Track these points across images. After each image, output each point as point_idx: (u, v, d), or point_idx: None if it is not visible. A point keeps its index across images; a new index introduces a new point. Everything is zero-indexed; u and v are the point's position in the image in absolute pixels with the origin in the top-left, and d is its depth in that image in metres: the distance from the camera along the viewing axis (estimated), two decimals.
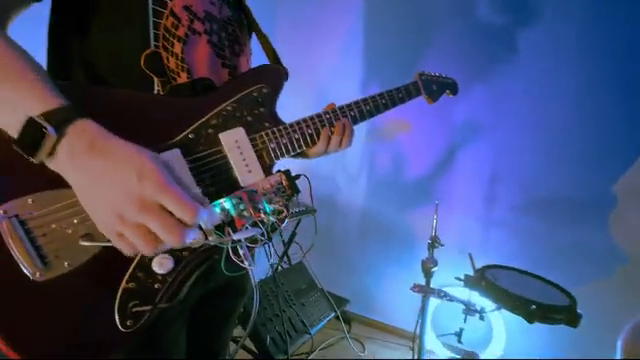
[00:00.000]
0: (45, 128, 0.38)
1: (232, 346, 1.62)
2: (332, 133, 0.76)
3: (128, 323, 0.50)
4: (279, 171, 0.72)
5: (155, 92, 0.61)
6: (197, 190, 0.47)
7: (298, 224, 2.07)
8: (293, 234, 2.12)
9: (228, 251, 0.59)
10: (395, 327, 2.31)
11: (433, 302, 1.99)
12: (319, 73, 2.35)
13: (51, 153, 0.40)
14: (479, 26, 1.96)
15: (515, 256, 1.89)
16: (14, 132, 0.40)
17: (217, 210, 0.61)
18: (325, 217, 2.26)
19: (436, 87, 0.91)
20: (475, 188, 2.03)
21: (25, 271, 0.45)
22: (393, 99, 0.83)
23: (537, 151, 1.88)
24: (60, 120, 0.40)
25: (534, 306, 1.01)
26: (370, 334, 2.29)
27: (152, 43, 0.59)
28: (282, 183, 0.70)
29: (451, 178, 2.11)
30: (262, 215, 0.64)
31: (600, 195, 1.76)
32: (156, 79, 0.60)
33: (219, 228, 0.60)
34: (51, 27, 0.60)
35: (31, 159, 0.40)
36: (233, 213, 0.61)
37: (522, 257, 1.85)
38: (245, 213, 0.62)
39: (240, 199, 0.65)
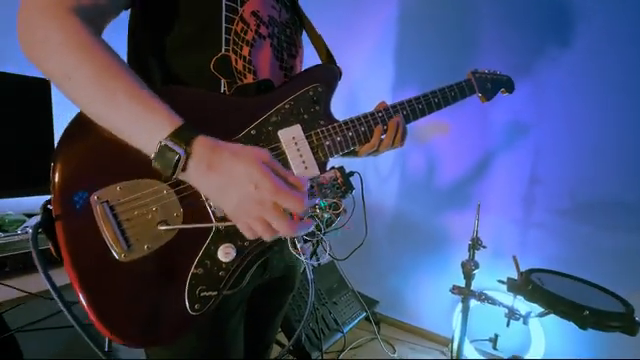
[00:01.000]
0: (178, 154, 0.46)
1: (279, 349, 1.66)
2: (385, 132, 0.76)
3: (196, 307, 0.54)
4: (333, 168, 0.73)
5: (222, 92, 0.63)
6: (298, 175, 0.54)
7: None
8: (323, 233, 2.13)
9: (291, 243, 0.61)
10: (425, 330, 2.27)
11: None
12: (351, 72, 2.35)
13: (183, 169, 0.48)
14: (519, 16, 1.88)
15: (556, 260, 1.81)
16: (141, 146, 0.49)
17: None
18: (355, 217, 2.24)
19: (490, 85, 0.89)
20: (514, 189, 1.95)
21: (113, 252, 0.49)
22: (446, 97, 0.82)
23: (582, 151, 1.77)
24: (186, 141, 0.47)
25: (587, 312, 0.96)
26: (399, 336, 2.26)
27: (223, 47, 0.62)
28: (337, 179, 0.71)
29: (487, 178, 2.04)
30: (317, 210, 0.65)
31: None
32: (223, 80, 0.63)
33: None
34: (130, 31, 0.64)
35: (170, 176, 0.48)
36: None
37: (564, 262, 1.77)
38: None
39: None
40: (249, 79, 0.65)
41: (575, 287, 1.16)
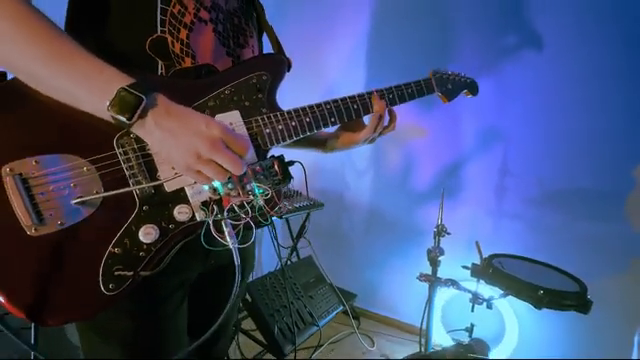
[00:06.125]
0: (141, 97, 0.50)
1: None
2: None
3: (110, 286, 0.53)
4: (272, 156, 0.71)
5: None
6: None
7: (307, 218, 2.08)
8: (302, 228, 2.13)
9: (215, 227, 0.59)
10: (404, 322, 2.29)
11: (443, 297, 1.96)
12: (325, 73, 2.36)
13: (141, 116, 0.50)
14: (486, 16, 1.94)
15: (528, 249, 1.84)
16: (94, 102, 0.51)
17: (205, 188, 0.61)
18: (333, 212, 2.26)
19: (451, 86, 0.89)
20: (486, 180, 2.00)
21: (22, 225, 0.49)
22: (402, 94, 0.82)
23: (553, 141, 1.82)
24: (145, 91, 0.50)
25: (542, 291, 0.99)
26: (378, 329, 2.27)
27: (159, 28, 0.61)
28: (274, 167, 0.69)
29: (461, 171, 2.08)
30: (251, 196, 0.62)
31: (619, 185, 1.70)
32: (160, 62, 0.63)
33: (205, 205, 0.60)
34: (68, 13, 0.63)
35: (126, 122, 0.50)
36: (221, 192, 0.59)
37: (535, 250, 1.80)
38: (233, 193, 0.60)
39: (229, 179, 0.64)
40: (187, 63, 0.65)
41: (533, 269, 1.19)
